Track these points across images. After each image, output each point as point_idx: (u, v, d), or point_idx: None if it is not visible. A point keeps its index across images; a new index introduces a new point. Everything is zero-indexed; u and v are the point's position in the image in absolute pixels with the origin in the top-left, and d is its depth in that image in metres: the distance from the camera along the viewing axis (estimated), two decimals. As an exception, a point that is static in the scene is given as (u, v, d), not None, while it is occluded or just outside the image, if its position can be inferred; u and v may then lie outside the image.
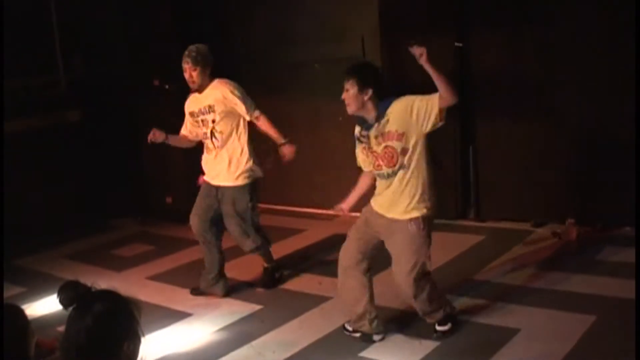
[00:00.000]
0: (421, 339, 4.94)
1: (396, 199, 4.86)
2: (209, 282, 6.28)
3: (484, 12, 7.27)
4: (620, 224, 6.88)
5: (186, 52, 5.99)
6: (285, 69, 8.76)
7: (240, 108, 5.99)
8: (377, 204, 5.00)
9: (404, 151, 4.78)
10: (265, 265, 6.43)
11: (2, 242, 6.58)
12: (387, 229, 4.91)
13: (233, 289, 6.33)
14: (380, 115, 4.81)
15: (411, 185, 4.82)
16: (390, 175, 4.85)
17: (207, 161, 6.22)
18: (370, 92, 4.83)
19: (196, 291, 6.37)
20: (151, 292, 6.40)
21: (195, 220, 6.24)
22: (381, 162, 4.86)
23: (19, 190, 7.94)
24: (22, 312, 3.05)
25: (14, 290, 6.66)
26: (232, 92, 5.98)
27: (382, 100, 4.85)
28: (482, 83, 7.40)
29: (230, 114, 6.02)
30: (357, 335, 5.11)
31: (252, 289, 6.35)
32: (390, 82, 7.46)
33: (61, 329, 2.61)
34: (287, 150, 6.12)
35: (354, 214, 5.28)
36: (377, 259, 5.19)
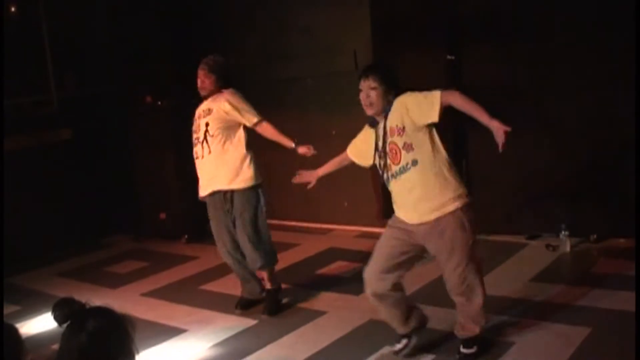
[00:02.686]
0: (417, 355, 4.93)
1: (417, 199, 4.57)
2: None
3: (476, 25, 7.29)
4: (614, 236, 6.90)
5: (204, 60, 6.01)
6: (277, 84, 8.77)
7: (242, 119, 5.89)
8: (402, 212, 4.71)
9: (407, 147, 4.56)
10: (269, 287, 6.14)
11: (2, 260, 6.57)
12: (423, 235, 4.64)
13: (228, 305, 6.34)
14: (386, 112, 4.66)
15: (427, 180, 4.56)
16: (399, 173, 4.59)
17: (202, 169, 6.05)
18: (394, 92, 4.66)
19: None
20: (146, 308, 6.38)
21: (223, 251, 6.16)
22: (389, 160, 4.64)
23: (12, 209, 7.91)
24: (16, 330, 3.05)
25: (8, 308, 6.64)
26: (231, 105, 5.87)
27: None
28: (474, 96, 7.34)
29: (230, 123, 5.92)
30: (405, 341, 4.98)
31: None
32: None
33: (55, 347, 2.61)
34: (303, 150, 5.99)
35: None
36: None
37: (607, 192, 6.83)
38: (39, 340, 5.30)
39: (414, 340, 4.97)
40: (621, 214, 6.64)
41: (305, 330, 5.60)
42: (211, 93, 6.00)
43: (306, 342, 5.35)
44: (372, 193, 7.93)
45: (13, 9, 8.70)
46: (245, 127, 5.97)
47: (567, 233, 6.84)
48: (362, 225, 8.18)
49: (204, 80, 5.98)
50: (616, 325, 4.95)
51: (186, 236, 8.56)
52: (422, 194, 4.57)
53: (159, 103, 8.28)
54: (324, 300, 6.16)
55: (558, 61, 6.91)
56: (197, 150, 6.01)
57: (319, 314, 5.87)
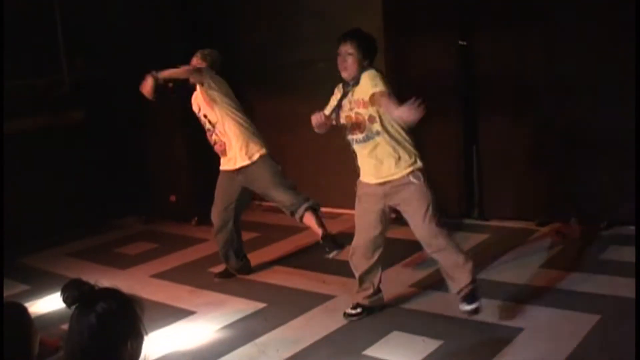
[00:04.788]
0: (425, 337, 4.94)
1: (379, 163, 5.02)
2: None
3: (488, 11, 7.26)
4: (624, 223, 6.88)
5: (200, 50, 6.30)
6: (289, 68, 8.76)
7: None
8: (365, 174, 5.19)
9: (372, 119, 4.94)
10: (322, 233, 6.20)
11: (2, 241, 6.58)
12: (389, 192, 5.08)
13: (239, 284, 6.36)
14: (355, 81, 5.01)
15: (390, 149, 4.98)
16: (364, 140, 5.02)
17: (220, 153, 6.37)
18: (368, 61, 5.01)
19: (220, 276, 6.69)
20: (155, 290, 6.41)
21: (215, 215, 6.51)
22: (355, 128, 5.03)
23: (24, 190, 7.96)
24: (25, 310, 3.06)
25: (18, 288, 6.68)
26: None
27: None
28: (486, 82, 7.40)
29: (212, 102, 6.16)
30: (359, 310, 5.42)
31: (256, 288, 6.35)
32: (394, 82, 7.46)
33: (65, 327, 2.62)
34: None
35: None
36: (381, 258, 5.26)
37: (618, 179, 6.81)
38: (48, 320, 5.32)
39: (364, 314, 5.42)
40: (631, 201, 6.62)
41: (315, 313, 5.62)
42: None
43: (315, 325, 5.37)
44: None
45: (25, -10, 8.71)
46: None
47: (576, 219, 6.83)
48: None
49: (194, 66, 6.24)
50: (625, 313, 4.93)
51: (196, 218, 8.57)
52: (381, 160, 5.01)
53: (170, 85, 8.26)
54: (333, 284, 6.16)
55: (571, 46, 6.88)
56: (213, 138, 6.33)
57: (328, 297, 5.88)
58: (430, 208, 4.97)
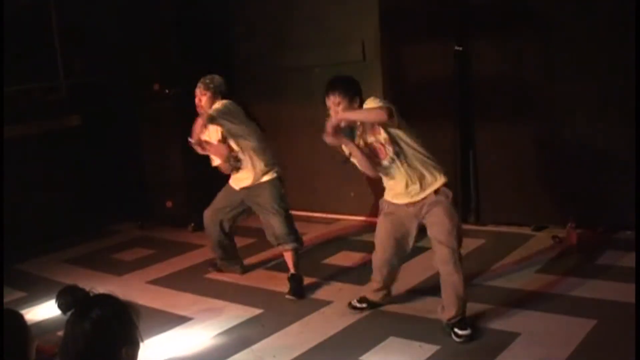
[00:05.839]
0: (421, 343, 4.93)
1: (407, 184, 5.05)
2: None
3: (484, 16, 7.27)
4: (621, 228, 6.88)
5: (201, 78, 6.29)
6: (285, 73, 8.76)
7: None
8: (394, 196, 5.21)
9: (390, 140, 4.97)
10: (293, 272, 6.33)
11: (2, 247, 6.57)
12: (420, 209, 5.10)
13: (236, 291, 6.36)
14: None
15: (414, 169, 5.02)
16: (392, 163, 5.04)
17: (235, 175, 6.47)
18: (358, 100, 5.02)
19: (215, 267, 6.96)
20: (151, 296, 6.39)
21: (207, 214, 6.61)
22: (380, 155, 5.06)
23: (20, 195, 7.94)
24: (21, 317, 3.05)
25: (15, 295, 6.65)
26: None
27: None
28: (482, 87, 7.41)
29: (235, 137, 6.27)
30: (364, 305, 5.60)
31: (252, 294, 6.34)
32: (390, 87, 7.48)
33: (62, 333, 2.61)
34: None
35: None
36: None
37: (614, 184, 6.81)
38: (45, 327, 5.31)
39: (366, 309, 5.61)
40: (628, 207, 6.62)
41: (311, 319, 5.61)
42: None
43: (312, 331, 5.36)
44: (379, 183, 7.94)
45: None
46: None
47: (573, 225, 6.83)
48: (368, 215, 8.15)
49: (200, 99, 6.28)
50: (622, 318, 4.94)
51: (192, 224, 8.55)
52: (409, 181, 5.05)
53: (167, 91, 8.27)
54: (330, 289, 6.16)
55: (566, 52, 6.89)
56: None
57: (324, 303, 5.87)
58: (455, 231, 5.02)
